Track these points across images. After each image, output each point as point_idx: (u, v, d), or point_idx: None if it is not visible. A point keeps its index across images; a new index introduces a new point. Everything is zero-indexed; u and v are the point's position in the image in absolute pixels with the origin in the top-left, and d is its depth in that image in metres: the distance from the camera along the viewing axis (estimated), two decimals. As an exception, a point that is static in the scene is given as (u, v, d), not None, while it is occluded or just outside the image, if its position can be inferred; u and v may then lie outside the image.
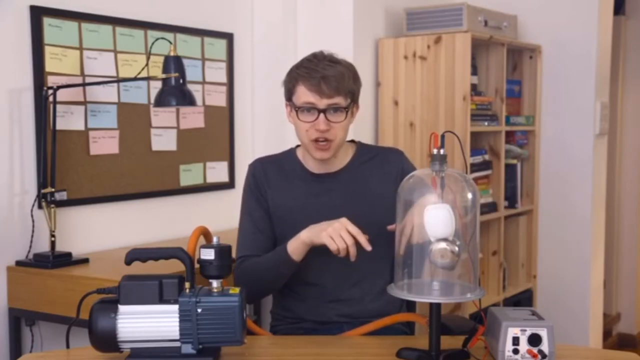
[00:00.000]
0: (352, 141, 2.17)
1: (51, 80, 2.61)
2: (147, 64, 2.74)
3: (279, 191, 2.08)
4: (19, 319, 2.56)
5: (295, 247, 1.92)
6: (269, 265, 2.00)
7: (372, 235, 2.03)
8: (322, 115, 1.96)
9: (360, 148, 2.17)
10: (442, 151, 1.63)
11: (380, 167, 2.12)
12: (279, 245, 2.03)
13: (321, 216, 1.92)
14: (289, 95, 2.03)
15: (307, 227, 1.91)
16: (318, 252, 1.97)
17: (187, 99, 2.61)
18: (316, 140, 1.99)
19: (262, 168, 2.12)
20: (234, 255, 1.68)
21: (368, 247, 1.82)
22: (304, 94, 1.97)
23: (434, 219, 1.59)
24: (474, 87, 3.48)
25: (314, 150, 2.01)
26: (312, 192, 2.04)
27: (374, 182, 2.09)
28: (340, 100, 1.97)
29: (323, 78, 1.95)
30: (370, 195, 2.06)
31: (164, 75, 2.58)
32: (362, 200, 2.05)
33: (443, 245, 1.58)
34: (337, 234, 1.82)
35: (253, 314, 3.14)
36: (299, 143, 2.12)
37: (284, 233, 2.02)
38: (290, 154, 2.16)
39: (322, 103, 1.96)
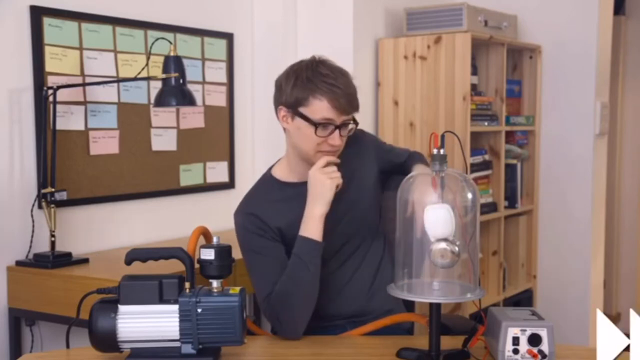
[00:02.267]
0: None
1: (51, 80, 2.61)
2: (147, 64, 2.74)
3: (277, 216, 1.98)
4: (19, 319, 2.56)
5: (314, 228, 1.87)
6: (299, 275, 1.87)
7: (364, 233, 2.05)
8: (337, 131, 1.91)
9: None
10: (442, 151, 1.64)
11: (357, 153, 2.09)
12: None
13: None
14: (297, 103, 1.94)
15: (307, 206, 1.88)
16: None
17: (187, 99, 2.61)
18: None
19: (251, 214, 1.98)
20: (234, 255, 1.66)
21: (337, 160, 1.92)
22: (325, 110, 1.89)
23: (433, 219, 1.59)
24: (474, 87, 3.48)
25: (323, 157, 1.94)
26: (304, 200, 1.98)
27: (358, 170, 2.07)
28: (354, 115, 1.95)
29: (346, 96, 1.89)
30: (358, 184, 2.05)
31: (164, 75, 2.58)
32: (352, 192, 2.03)
33: (443, 245, 1.58)
34: (330, 176, 1.89)
35: (253, 314, 3.14)
36: (272, 164, 2.09)
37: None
38: (267, 181, 2.06)
39: (340, 119, 1.90)
